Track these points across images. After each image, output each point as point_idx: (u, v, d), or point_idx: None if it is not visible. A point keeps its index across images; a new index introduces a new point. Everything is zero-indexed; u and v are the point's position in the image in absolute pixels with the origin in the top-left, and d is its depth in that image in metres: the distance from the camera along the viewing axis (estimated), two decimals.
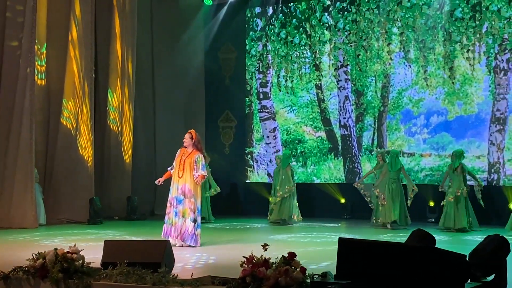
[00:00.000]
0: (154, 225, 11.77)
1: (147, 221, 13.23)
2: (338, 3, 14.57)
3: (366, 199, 12.33)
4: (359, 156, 14.42)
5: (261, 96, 15.61)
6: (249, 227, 12.45)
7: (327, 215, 13.47)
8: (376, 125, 14.35)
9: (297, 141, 15.06)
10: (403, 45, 13.99)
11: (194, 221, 8.62)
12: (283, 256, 5.23)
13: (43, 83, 12.70)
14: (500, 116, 13.02)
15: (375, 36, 14.24)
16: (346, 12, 14.52)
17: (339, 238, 4.60)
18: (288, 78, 15.23)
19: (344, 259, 4.52)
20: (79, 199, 12.55)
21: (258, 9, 15.63)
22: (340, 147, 14.69)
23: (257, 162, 15.58)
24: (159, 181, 8.94)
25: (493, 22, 13.05)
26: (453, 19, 13.45)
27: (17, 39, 11.57)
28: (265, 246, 5.33)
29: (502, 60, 13.00)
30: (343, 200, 14.16)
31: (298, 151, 14.98)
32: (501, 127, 13.00)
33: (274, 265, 5.14)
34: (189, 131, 8.87)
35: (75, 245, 5.80)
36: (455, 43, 13.43)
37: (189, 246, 8.56)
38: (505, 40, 12.96)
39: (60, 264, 5.60)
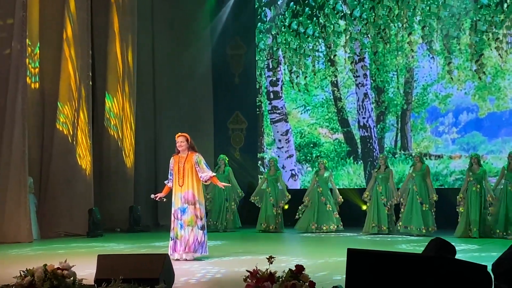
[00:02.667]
0: (159, 237, 11.81)
1: (152, 233, 13.28)
2: None
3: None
4: None
5: (272, 95, 15.61)
6: (261, 237, 12.47)
7: (346, 224, 13.42)
8: (399, 125, 14.31)
9: (312, 145, 15.03)
10: (426, 36, 13.93)
11: (203, 228, 8.65)
12: (290, 269, 5.23)
13: (37, 86, 12.79)
14: None
15: (395, 26, 14.19)
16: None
17: (348, 249, 4.59)
18: (300, 75, 15.21)
19: (354, 272, 4.50)
20: (77, 210, 12.62)
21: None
22: (359, 150, 14.66)
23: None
24: (157, 196, 8.95)
25: None
26: (478, 6, 13.37)
27: (7, 38, 11.64)
28: (270, 259, 5.33)
29: None
30: (364, 207, 14.09)
31: (313, 155, 14.95)
32: None
33: (280, 280, 5.14)
34: (180, 134, 8.83)
35: (66, 261, 5.82)
36: (481, 33, 13.34)
37: (196, 258, 8.56)
38: None
39: (49, 281, 5.62)
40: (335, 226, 12.93)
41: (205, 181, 8.74)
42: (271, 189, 13.29)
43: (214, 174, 8.83)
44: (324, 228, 12.89)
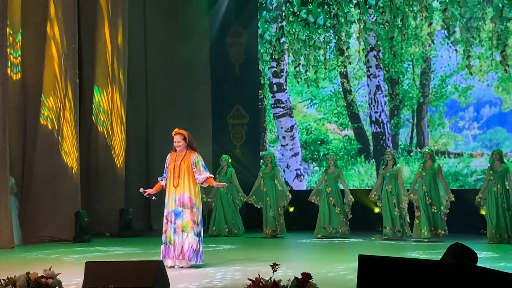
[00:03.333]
0: (152, 243, 11.83)
1: (144, 238, 13.30)
2: None
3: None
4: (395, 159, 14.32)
5: (275, 88, 15.60)
6: (264, 242, 12.49)
7: (357, 228, 13.42)
8: (415, 120, 14.32)
9: (319, 142, 15.02)
10: (446, 22, 13.90)
11: (198, 235, 8.65)
12: (296, 278, 5.25)
13: (18, 77, 12.80)
14: None
15: (412, 13, 14.17)
16: None
17: (360, 256, 4.59)
18: (310, 69, 15.12)
19: (366, 280, 4.51)
20: (62, 213, 12.65)
21: None
22: (371, 148, 14.67)
23: None
24: (147, 192, 8.94)
25: None
26: None
27: None
28: (274, 266, 5.34)
29: None
30: (377, 210, 14.09)
31: (321, 153, 14.95)
32: None
33: None
34: (178, 131, 8.81)
35: (50, 268, 5.85)
36: (508, 20, 13.32)
37: (194, 265, 8.58)
38: None
39: None
40: (344, 230, 12.92)
41: (201, 183, 8.73)
42: (267, 188, 13.14)
43: (211, 175, 8.81)
44: (332, 232, 12.89)
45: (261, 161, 15.54)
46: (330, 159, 13.18)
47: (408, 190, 12.28)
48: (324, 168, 13.44)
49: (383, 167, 12.59)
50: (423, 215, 11.74)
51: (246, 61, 15.92)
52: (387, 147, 14.45)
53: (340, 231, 12.89)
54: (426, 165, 11.95)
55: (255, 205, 13.49)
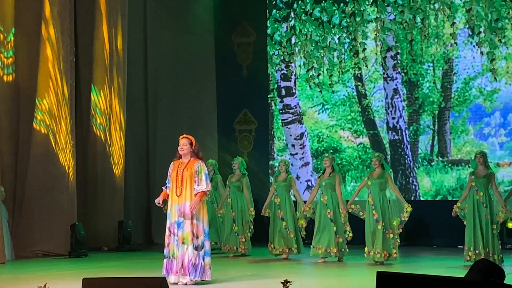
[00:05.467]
0: (153, 258, 11.92)
1: (145, 253, 13.34)
2: None
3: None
4: (415, 168, 14.32)
5: (283, 92, 15.61)
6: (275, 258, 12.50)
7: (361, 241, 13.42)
8: (436, 127, 14.32)
9: (331, 151, 15.00)
10: (470, 22, 13.89)
11: (198, 248, 8.63)
12: None
13: (10, 79, 12.86)
14: None
15: (433, 11, 14.17)
16: None
17: (377, 272, 4.60)
18: (322, 71, 15.12)
19: None
20: (57, 226, 12.70)
21: None
22: (389, 157, 14.64)
23: None
24: (159, 201, 8.95)
25: None
26: None
27: None
28: (286, 284, 5.34)
29: None
30: (395, 223, 14.07)
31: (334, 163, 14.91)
32: None
33: None
34: (185, 136, 8.88)
35: (45, 285, 5.86)
36: None
37: (199, 282, 8.59)
38: None
39: None
40: (294, 250, 11.92)
41: (193, 203, 8.67)
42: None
43: (206, 189, 8.69)
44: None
45: (269, 171, 15.55)
46: (281, 164, 12.24)
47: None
48: (275, 175, 12.54)
49: (320, 175, 11.82)
50: (367, 234, 10.99)
51: (255, 62, 15.96)
52: (406, 156, 14.45)
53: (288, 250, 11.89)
54: (374, 172, 11.16)
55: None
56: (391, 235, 10.86)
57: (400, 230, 11.06)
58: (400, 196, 11.23)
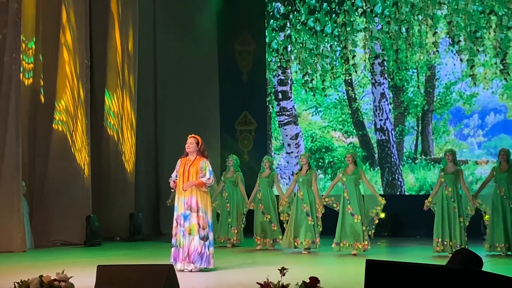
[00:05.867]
0: (161, 247, 11.90)
1: (153, 242, 13.32)
2: None
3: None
4: (400, 166, 14.32)
5: (280, 96, 15.60)
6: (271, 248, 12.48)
7: None
8: (420, 128, 14.30)
9: (324, 150, 15.00)
10: (451, 32, 13.89)
11: (205, 238, 8.66)
12: (304, 282, 5.27)
13: (30, 82, 12.86)
14: None
15: (417, 22, 14.17)
16: None
17: (367, 261, 4.61)
18: (318, 77, 15.09)
19: (373, 284, 4.52)
20: (74, 218, 12.68)
21: None
22: (376, 156, 14.64)
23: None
24: (173, 186, 8.90)
25: None
26: (504, 0, 13.35)
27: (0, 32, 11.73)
28: (283, 270, 5.37)
29: None
30: (382, 215, 14.08)
31: (326, 161, 14.93)
32: None
33: None
34: (192, 135, 8.91)
35: (63, 272, 5.88)
36: (507, 29, 13.31)
37: (203, 269, 8.61)
38: None
39: None
40: (277, 241, 11.69)
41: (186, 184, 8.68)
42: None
43: (205, 181, 8.67)
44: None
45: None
46: (265, 161, 11.92)
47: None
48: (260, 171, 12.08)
49: (297, 171, 11.49)
50: (339, 226, 10.72)
51: (254, 69, 15.94)
52: (392, 155, 14.44)
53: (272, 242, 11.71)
54: (348, 169, 10.89)
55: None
56: (364, 227, 10.65)
57: (376, 222, 10.86)
58: (374, 190, 11.05)
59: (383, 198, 10.78)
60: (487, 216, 10.71)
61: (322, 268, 9.38)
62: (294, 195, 11.42)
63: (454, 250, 10.12)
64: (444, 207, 10.44)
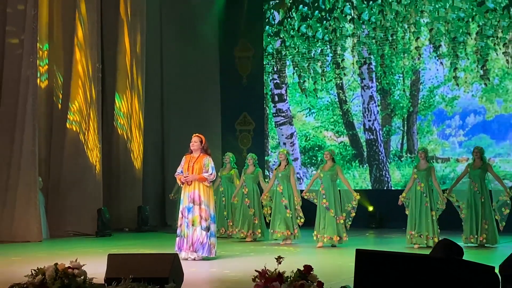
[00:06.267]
0: (166, 237, 11.88)
1: (159, 233, 13.31)
2: None
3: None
4: (387, 163, 14.31)
5: (276, 98, 15.59)
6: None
7: (352, 225, 13.41)
8: (405, 128, 14.27)
9: (317, 148, 14.98)
10: (433, 38, 13.89)
11: (207, 229, 8.66)
12: (298, 269, 5.24)
13: (45, 84, 12.83)
14: None
15: (402, 28, 14.17)
16: (371, 2, 14.42)
17: (356, 250, 4.60)
18: (310, 79, 15.10)
19: (363, 272, 4.52)
20: (86, 210, 12.68)
21: (275, 1, 15.54)
22: (365, 154, 14.61)
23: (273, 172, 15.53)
24: (180, 179, 8.87)
25: None
26: (484, 11, 13.34)
27: (18, 37, 11.68)
28: (279, 259, 5.34)
29: None
30: (370, 208, 14.12)
31: (319, 158, 14.90)
32: None
33: (288, 280, 5.15)
34: (196, 134, 8.92)
35: (76, 260, 5.85)
36: (487, 37, 13.31)
37: (204, 258, 8.61)
38: None
39: (60, 280, 5.64)
40: (257, 233, 11.44)
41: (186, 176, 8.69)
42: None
43: (207, 176, 8.68)
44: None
45: (265, 165, 15.48)
46: (249, 158, 11.68)
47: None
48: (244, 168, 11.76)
49: (276, 167, 11.25)
50: (317, 219, 10.50)
51: (253, 73, 15.92)
52: (380, 153, 14.43)
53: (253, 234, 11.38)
54: (326, 165, 10.63)
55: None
56: (341, 221, 10.38)
57: (353, 214, 10.50)
58: (349, 186, 10.74)
59: (358, 194, 10.52)
60: (464, 211, 10.50)
61: (304, 259, 9.34)
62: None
63: (426, 242, 10.11)
64: (417, 201, 10.27)
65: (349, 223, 10.54)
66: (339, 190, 10.58)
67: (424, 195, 10.26)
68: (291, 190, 10.89)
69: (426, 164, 10.39)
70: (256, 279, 5.24)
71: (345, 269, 7.21)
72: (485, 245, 10.25)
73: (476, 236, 10.30)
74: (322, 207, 10.45)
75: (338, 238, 10.34)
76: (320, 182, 10.57)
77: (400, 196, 10.52)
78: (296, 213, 10.87)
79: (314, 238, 10.50)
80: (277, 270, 5.23)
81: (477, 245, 10.30)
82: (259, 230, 11.46)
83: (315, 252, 10.20)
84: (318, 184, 10.85)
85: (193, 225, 8.66)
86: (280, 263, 5.28)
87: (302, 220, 10.90)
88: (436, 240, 9.95)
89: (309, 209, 10.95)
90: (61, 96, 12.99)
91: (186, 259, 8.45)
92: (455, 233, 10.58)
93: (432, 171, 10.37)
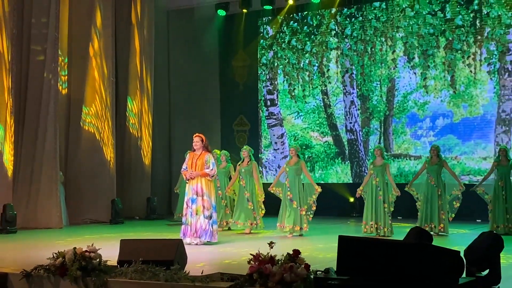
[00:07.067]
0: (172, 225, 11.86)
1: (166, 221, 13.29)
2: (346, 9, 14.49)
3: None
4: (366, 160, 14.31)
5: (269, 103, 15.58)
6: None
7: (336, 214, 13.45)
8: (382, 129, 14.27)
9: (304, 147, 14.98)
10: (407, 51, 13.91)
11: (209, 217, 8.68)
12: (288, 253, 5.26)
13: (65, 92, 12.85)
14: (506, 117, 12.85)
15: (379, 42, 14.19)
16: (353, 19, 14.44)
17: (339, 236, 4.62)
18: (299, 87, 15.08)
19: (344, 256, 4.54)
20: (101, 200, 12.68)
21: (268, 18, 15.55)
22: (347, 152, 14.62)
23: (265, 168, 15.55)
24: (185, 175, 8.84)
25: (494, 29, 12.95)
26: (453, 26, 13.37)
27: (42, 51, 11.69)
28: (271, 244, 5.36)
29: (506, 61, 12.84)
30: (351, 199, 14.13)
31: (306, 156, 14.90)
32: (507, 128, 12.82)
33: (279, 262, 5.17)
34: (197, 134, 8.90)
35: (92, 244, 5.86)
36: (456, 51, 13.34)
37: (207, 243, 8.62)
38: (510, 41, 12.78)
39: (78, 262, 5.66)
40: (255, 224, 10.60)
41: (192, 173, 8.65)
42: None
43: (209, 172, 8.65)
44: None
45: (259, 162, 15.48)
46: (222, 155, 11.00)
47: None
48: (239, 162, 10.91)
49: (239, 163, 10.69)
50: (281, 210, 10.07)
51: (248, 81, 15.91)
52: (360, 151, 14.44)
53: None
54: (291, 161, 10.11)
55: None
56: (303, 212, 9.89)
57: (314, 207, 10.04)
58: (312, 180, 10.19)
59: (320, 187, 9.99)
60: (420, 202, 10.31)
61: (297, 242, 9.33)
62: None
63: (378, 232, 9.84)
64: (372, 194, 9.96)
65: (311, 215, 10.07)
66: (303, 183, 10.12)
67: (378, 189, 9.96)
68: (253, 184, 10.48)
69: (382, 161, 10.08)
70: (251, 261, 5.26)
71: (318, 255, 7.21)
72: (441, 233, 10.11)
73: (431, 225, 10.10)
74: (286, 199, 9.99)
75: (299, 228, 9.86)
76: (286, 176, 10.10)
77: (358, 189, 10.20)
78: (258, 205, 10.48)
79: (278, 228, 10.07)
80: (269, 254, 5.24)
81: (433, 233, 10.19)
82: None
83: (287, 240, 9.87)
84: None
85: (196, 214, 8.68)
86: (272, 247, 5.30)
87: (263, 212, 10.57)
88: (386, 230, 9.78)
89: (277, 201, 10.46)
90: (79, 100, 12.97)
91: (190, 244, 8.45)
92: (413, 221, 10.49)
93: (387, 167, 10.07)
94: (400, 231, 9.53)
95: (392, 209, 10.05)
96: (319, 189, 9.97)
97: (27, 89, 11.66)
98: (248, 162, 10.52)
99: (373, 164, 10.20)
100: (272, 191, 10.30)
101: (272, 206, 10.88)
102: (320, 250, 8.09)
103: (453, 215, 10.22)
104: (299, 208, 9.89)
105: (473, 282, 4.59)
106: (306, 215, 9.95)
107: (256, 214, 10.47)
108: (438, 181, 10.26)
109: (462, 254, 4.60)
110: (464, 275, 4.60)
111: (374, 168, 10.10)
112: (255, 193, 10.51)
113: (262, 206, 10.58)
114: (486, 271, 4.80)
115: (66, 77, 12.89)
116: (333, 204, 13.19)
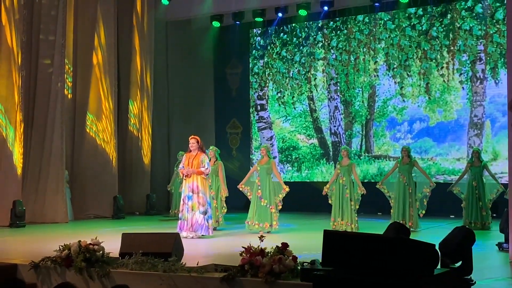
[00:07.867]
0: (170, 220, 11.84)
1: (164, 216, 13.25)
2: (331, 22, 14.53)
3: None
4: None
5: (259, 107, 15.58)
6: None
7: (321, 210, 13.44)
8: (364, 132, 14.30)
9: (292, 148, 15.01)
10: (388, 61, 13.96)
11: (204, 213, 8.68)
12: (277, 246, 5.27)
13: (70, 97, 12.80)
14: (478, 121, 12.93)
15: (363, 53, 14.24)
16: (339, 31, 14.47)
17: (324, 230, 4.63)
18: (288, 95, 15.07)
19: (329, 249, 4.55)
20: (104, 197, 12.61)
21: (260, 30, 15.58)
22: (331, 153, 14.64)
23: None
24: (182, 172, 8.79)
25: (466, 40, 13.04)
26: (429, 38, 13.45)
27: (50, 57, 11.65)
28: (261, 238, 5.37)
29: (478, 70, 12.93)
30: (330, 201, 14.07)
31: (293, 157, 14.94)
32: (479, 132, 12.90)
33: (269, 254, 5.18)
34: (193, 136, 8.90)
35: (96, 238, 5.85)
36: (431, 60, 13.41)
37: (201, 236, 8.61)
38: (480, 52, 12.86)
39: (83, 254, 5.66)
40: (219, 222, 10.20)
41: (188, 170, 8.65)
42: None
43: (203, 170, 8.67)
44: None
45: (250, 162, 15.48)
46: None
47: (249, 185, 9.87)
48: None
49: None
50: (251, 207, 9.66)
51: (241, 87, 15.90)
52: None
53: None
54: (262, 160, 9.74)
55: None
56: (273, 210, 9.52)
57: (280, 206, 9.64)
58: (280, 179, 9.82)
59: (287, 186, 9.60)
60: (392, 200, 10.18)
61: (286, 236, 9.32)
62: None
63: (345, 228, 9.62)
64: (339, 193, 9.80)
65: (277, 214, 9.62)
66: (273, 182, 9.71)
67: (345, 187, 9.79)
68: (219, 182, 10.11)
69: (348, 161, 9.92)
70: (243, 254, 5.27)
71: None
72: (411, 229, 10.08)
73: (402, 222, 9.83)
74: (256, 197, 9.59)
75: (269, 225, 9.48)
76: (257, 174, 9.71)
77: (324, 187, 9.98)
78: (221, 203, 10.14)
79: (246, 225, 9.63)
80: (259, 247, 5.26)
81: None
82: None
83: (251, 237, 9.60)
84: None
85: (192, 210, 8.67)
86: (262, 241, 5.31)
87: (225, 210, 10.18)
88: (353, 226, 9.65)
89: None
90: (83, 105, 12.92)
91: (186, 238, 8.44)
92: (387, 218, 10.40)
93: (353, 166, 9.90)
94: (380, 226, 9.50)
95: (357, 206, 9.87)
96: (287, 189, 9.56)
97: (35, 94, 11.63)
98: (214, 162, 10.06)
99: (340, 164, 10.00)
100: (241, 189, 9.86)
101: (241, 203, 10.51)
102: (305, 243, 8.06)
103: (424, 212, 10.14)
104: (268, 206, 9.54)
105: (447, 273, 4.62)
106: (275, 213, 9.56)
107: (219, 213, 10.11)
108: (409, 180, 10.18)
109: (437, 247, 4.62)
110: (439, 266, 4.61)
111: (341, 167, 9.89)
112: (220, 191, 10.14)
113: (225, 204, 10.22)
114: (459, 263, 4.83)
115: (71, 83, 12.83)
116: (318, 202, 13.16)
